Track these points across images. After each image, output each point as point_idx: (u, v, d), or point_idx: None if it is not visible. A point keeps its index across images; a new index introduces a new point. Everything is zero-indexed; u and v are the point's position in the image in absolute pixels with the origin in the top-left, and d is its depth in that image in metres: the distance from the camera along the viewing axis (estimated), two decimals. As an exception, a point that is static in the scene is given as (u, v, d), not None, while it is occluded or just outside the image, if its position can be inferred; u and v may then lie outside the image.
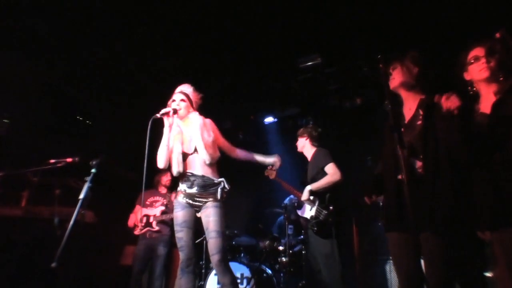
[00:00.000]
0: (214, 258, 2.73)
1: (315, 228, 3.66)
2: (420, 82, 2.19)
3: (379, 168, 2.38)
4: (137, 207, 4.89)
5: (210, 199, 2.84)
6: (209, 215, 2.80)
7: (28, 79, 4.71)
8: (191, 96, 3.08)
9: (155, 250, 4.65)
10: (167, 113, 2.93)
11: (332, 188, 3.69)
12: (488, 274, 2.80)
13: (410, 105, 2.20)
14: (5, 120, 4.34)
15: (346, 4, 4.07)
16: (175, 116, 2.99)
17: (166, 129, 2.98)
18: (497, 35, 1.91)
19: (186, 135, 3.01)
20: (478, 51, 2.01)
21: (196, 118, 3.02)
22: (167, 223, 4.75)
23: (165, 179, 4.98)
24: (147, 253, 4.64)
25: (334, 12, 4.19)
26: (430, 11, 4.06)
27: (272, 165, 3.80)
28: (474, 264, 2.81)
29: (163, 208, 4.77)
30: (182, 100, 3.03)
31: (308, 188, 3.73)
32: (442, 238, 1.89)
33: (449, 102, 1.84)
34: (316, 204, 3.72)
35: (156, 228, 4.68)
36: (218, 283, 4.27)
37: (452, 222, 1.89)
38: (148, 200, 4.89)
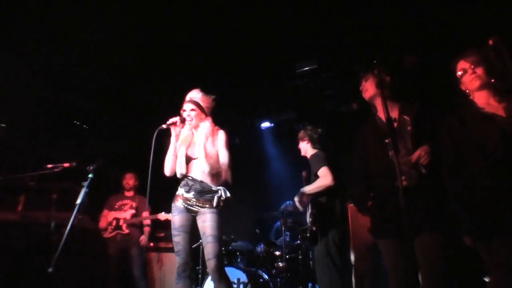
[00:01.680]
0: (210, 263, 2.70)
1: (306, 234, 3.71)
2: (394, 90, 2.24)
3: (356, 171, 2.40)
4: (105, 211, 4.91)
5: (207, 205, 2.82)
6: (206, 221, 2.78)
7: (25, 84, 4.72)
8: (201, 102, 3.03)
9: (128, 252, 4.69)
10: (174, 123, 2.94)
11: (326, 193, 3.63)
12: (486, 279, 2.81)
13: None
14: (2, 125, 4.34)
15: (342, 9, 4.10)
16: (186, 124, 3.00)
17: (173, 139, 3.00)
18: (490, 42, 1.94)
19: (194, 139, 3.00)
20: (463, 64, 2.08)
21: (206, 125, 2.99)
22: (137, 225, 4.83)
23: (125, 182, 5.07)
24: (120, 255, 4.68)
25: (330, 17, 4.22)
26: (425, 16, 4.10)
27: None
28: (471, 268, 2.82)
29: (133, 211, 4.83)
30: (192, 109, 3.00)
31: (301, 190, 3.68)
32: (441, 235, 1.91)
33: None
34: (309, 210, 3.72)
35: (127, 231, 4.72)
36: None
37: (450, 220, 1.92)
38: (117, 203, 4.93)
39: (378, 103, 2.30)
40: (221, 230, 2.81)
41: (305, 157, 4.06)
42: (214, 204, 2.81)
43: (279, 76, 5.36)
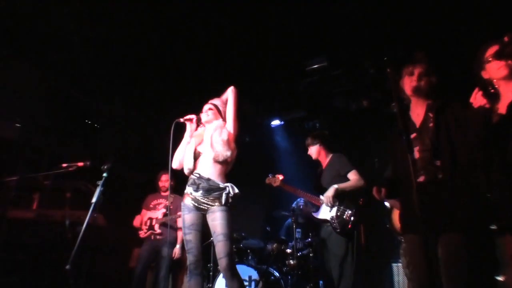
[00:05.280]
0: (222, 262, 2.71)
1: (338, 229, 3.65)
2: (433, 89, 2.21)
3: (389, 172, 2.39)
4: (143, 211, 4.93)
5: (216, 203, 2.84)
6: (216, 219, 2.80)
7: (38, 84, 4.78)
8: (219, 106, 3.16)
9: (159, 252, 4.66)
10: (190, 119, 3.09)
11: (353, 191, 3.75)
12: (500, 278, 2.78)
13: (418, 111, 2.21)
14: (17, 125, 4.41)
15: (352, 6, 4.08)
16: (202, 121, 3.11)
17: (187, 133, 3.12)
18: (505, 38, 1.91)
19: (205, 136, 3.06)
20: (496, 49, 1.98)
21: (218, 122, 3.08)
22: (171, 225, 4.75)
23: (161, 184, 5.01)
24: (151, 255, 4.67)
25: (340, 14, 4.20)
26: (436, 12, 4.06)
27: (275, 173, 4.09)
28: (486, 267, 2.79)
29: (164, 210, 4.77)
30: (210, 109, 3.14)
31: (335, 186, 3.70)
32: (464, 236, 1.89)
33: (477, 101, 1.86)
34: (337, 205, 3.73)
35: (159, 230, 4.69)
36: (227, 285, 4.28)
37: (473, 220, 1.90)
38: (152, 203, 4.93)
39: (413, 99, 2.26)
40: (231, 227, 2.82)
41: (316, 160, 4.14)
42: (223, 201, 2.82)
43: (288, 74, 5.35)
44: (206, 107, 3.17)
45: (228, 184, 2.92)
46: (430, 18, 4.11)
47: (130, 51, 4.68)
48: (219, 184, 2.89)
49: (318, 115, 6.13)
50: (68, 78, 5.04)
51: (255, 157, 6.22)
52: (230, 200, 2.86)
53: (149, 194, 5.09)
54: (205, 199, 2.87)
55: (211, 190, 2.87)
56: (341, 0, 4.02)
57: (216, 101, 3.22)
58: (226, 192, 2.85)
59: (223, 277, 4.26)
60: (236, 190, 2.92)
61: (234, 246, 4.78)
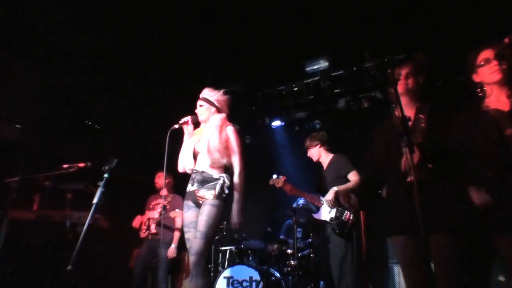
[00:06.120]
0: (192, 258, 2.66)
1: (337, 230, 3.67)
2: (422, 90, 2.21)
3: (369, 171, 2.39)
4: (146, 212, 4.96)
5: (210, 196, 2.77)
6: (202, 213, 2.74)
7: (38, 84, 4.78)
8: (209, 98, 3.11)
9: (157, 252, 4.68)
10: (185, 122, 3.06)
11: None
12: (501, 278, 2.78)
13: (407, 112, 2.20)
14: (17, 126, 4.40)
15: (352, 7, 4.09)
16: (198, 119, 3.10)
17: (186, 136, 3.11)
18: (506, 40, 1.91)
19: (202, 135, 3.03)
20: (489, 53, 1.98)
21: (215, 120, 3.02)
22: (168, 225, 4.76)
23: (155, 181, 5.09)
24: (149, 255, 4.69)
25: (340, 15, 4.21)
26: (437, 14, 4.07)
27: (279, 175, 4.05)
28: (484, 267, 2.79)
29: (160, 210, 4.80)
30: (201, 105, 3.11)
31: (335, 189, 3.73)
32: (457, 236, 1.90)
33: None
34: (336, 206, 3.74)
35: (154, 230, 4.70)
36: (227, 285, 4.29)
37: (465, 220, 1.90)
38: (152, 203, 4.97)
39: (403, 99, 2.26)
40: (214, 226, 2.74)
41: (318, 162, 4.15)
42: (217, 191, 2.77)
43: (289, 74, 5.35)
44: (198, 103, 3.13)
45: (223, 175, 2.86)
46: (430, 18, 4.12)
47: (130, 51, 4.68)
48: (212, 175, 2.85)
49: (319, 116, 6.13)
50: (68, 79, 5.04)
51: (255, 158, 6.21)
52: (226, 191, 2.80)
53: (150, 195, 5.13)
54: (200, 191, 2.82)
55: (205, 181, 2.83)
56: (342, 1, 4.03)
57: (205, 93, 3.16)
58: (220, 182, 2.81)
59: (224, 277, 4.29)
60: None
61: (234, 247, 4.83)
